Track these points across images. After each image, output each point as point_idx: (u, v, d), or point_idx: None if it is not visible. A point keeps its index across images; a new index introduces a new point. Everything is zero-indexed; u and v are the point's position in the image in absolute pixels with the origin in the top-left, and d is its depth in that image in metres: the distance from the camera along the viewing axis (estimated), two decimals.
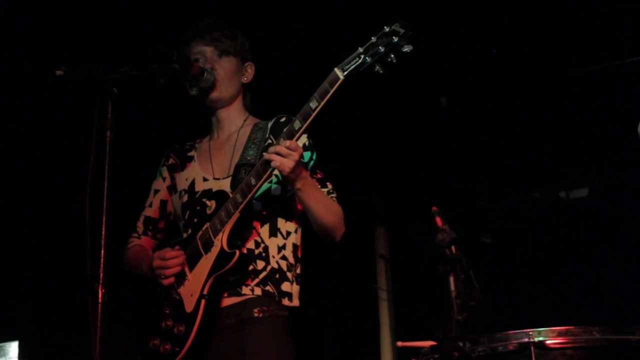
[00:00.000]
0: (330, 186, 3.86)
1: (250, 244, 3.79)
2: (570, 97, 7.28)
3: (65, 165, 6.25)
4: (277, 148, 3.45)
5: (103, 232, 3.28)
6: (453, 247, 3.64)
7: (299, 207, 3.88)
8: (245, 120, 4.09)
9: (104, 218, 3.30)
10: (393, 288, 8.90)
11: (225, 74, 4.00)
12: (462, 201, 8.60)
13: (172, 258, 3.79)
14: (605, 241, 7.89)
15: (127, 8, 5.73)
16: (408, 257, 8.72)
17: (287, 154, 3.44)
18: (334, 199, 3.84)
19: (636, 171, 8.11)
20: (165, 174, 4.19)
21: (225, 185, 3.84)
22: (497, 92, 7.32)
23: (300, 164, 3.51)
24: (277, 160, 3.44)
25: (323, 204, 3.73)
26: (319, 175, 3.84)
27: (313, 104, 3.42)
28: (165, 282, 3.79)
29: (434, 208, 3.78)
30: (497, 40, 6.61)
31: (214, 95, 3.99)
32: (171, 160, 4.20)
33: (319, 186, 3.79)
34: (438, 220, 3.73)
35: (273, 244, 3.82)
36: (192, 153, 4.16)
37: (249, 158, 3.86)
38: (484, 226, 8.59)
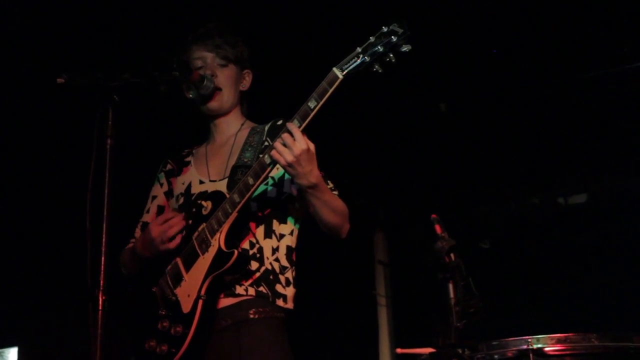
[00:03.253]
0: (331, 184, 3.84)
1: (245, 244, 3.78)
2: (569, 103, 7.29)
3: (66, 172, 6.26)
4: (279, 142, 3.43)
5: (104, 239, 3.27)
6: (452, 255, 3.66)
7: (295, 208, 3.89)
8: (242, 125, 4.10)
9: (104, 225, 3.29)
10: (392, 294, 8.92)
11: (226, 81, 4.00)
12: (461, 207, 8.62)
13: (172, 218, 3.79)
14: (604, 247, 7.91)
15: (127, 15, 5.74)
16: (407, 262, 8.74)
17: (290, 145, 3.40)
18: (337, 196, 3.83)
19: (635, 177, 8.13)
20: (163, 180, 4.19)
21: (222, 186, 3.84)
22: (496, 98, 7.33)
23: (307, 162, 3.45)
24: (276, 151, 3.43)
25: (331, 206, 3.71)
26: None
27: (312, 104, 3.40)
28: (172, 244, 3.77)
29: (434, 216, 3.80)
30: (496, 46, 6.62)
31: (213, 104, 3.99)
32: (168, 166, 4.20)
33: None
34: (437, 228, 3.75)
35: (267, 245, 3.82)
36: (189, 158, 4.17)
37: (245, 160, 3.85)
38: (483, 232, 8.61)
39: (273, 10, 6.02)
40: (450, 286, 3.61)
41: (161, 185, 4.19)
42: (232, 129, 4.09)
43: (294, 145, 3.40)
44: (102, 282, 3.21)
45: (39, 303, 6.95)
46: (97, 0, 5.60)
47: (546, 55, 6.70)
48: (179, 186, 4.07)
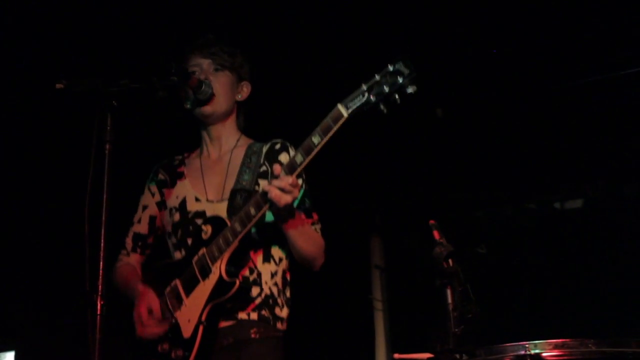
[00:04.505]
0: (315, 217, 3.87)
1: (245, 271, 3.80)
2: (565, 109, 7.31)
3: (64, 177, 6.24)
4: (282, 184, 3.42)
5: (102, 244, 3.25)
6: (450, 261, 3.66)
7: None
8: (238, 140, 4.09)
9: (103, 230, 3.28)
10: (388, 298, 8.91)
11: (221, 87, 3.98)
12: (457, 212, 8.62)
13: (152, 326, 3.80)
14: (600, 252, 7.91)
15: (126, 21, 5.74)
16: (403, 267, 8.74)
17: (289, 190, 3.44)
18: (318, 230, 3.86)
19: (630, 182, 8.14)
20: (154, 189, 4.17)
21: (221, 210, 3.85)
22: (492, 104, 7.33)
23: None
24: (276, 194, 3.43)
25: (305, 235, 3.74)
26: (306, 205, 3.86)
27: (316, 139, 3.38)
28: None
29: (432, 222, 3.80)
30: (492, 52, 6.62)
31: (208, 109, 3.97)
32: (160, 176, 4.18)
33: (304, 216, 3.81)
34: (435, 234, 3.74)
35: (266, 270, 3.84)
36: (181, 169, 4.15)
37: (244, 183, 3.86)
38: (480, 237, 8.61)
39: (275, 25, 6.03)
40: (448, 292, 3.61)
41: (153, 194, 4.17)
42: (228, 144, 4.08)
43: (292, 193, 3.45)
44: (100, 287, 3.20)
45: (37, 307, 6.95)
46: (96, 6, 5.60)
47: (542, 61, 6.72)
48: (173, 199, 4.06)
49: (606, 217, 8.18)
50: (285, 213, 3.57)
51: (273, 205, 3.49)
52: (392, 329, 8.80)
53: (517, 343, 3.97)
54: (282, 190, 3.43)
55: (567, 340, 3.94)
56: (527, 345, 3.92)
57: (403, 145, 7.88)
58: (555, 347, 3.91)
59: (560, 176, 8.30)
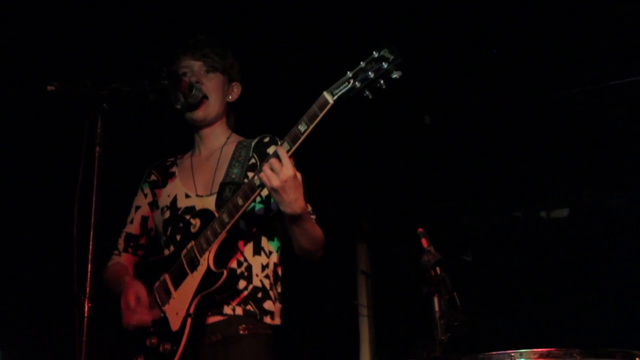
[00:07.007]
0: (309, 208, 3.84)
1: (233, 264, 3.80)
2: (552, 119, 7.34)
3: (54, 179, 6.23)
4: (272, 160, 3.41)
5: (90, 246, 3.25)
6: (438, 269, 3.67)
7: (282, 226, 3.88)
8: (228, 138, 4.10)
9: (91, 232, 3.27)
10: (374, 304, 8.93)
11: (212, 89, 4.00)
12: (444, 219, 8.65)
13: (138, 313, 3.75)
14: (586, 261, 7.96)
15: (117, 24, 5.74)
16: (389, 273, 8.76)
17: (277, 170, 3.41)
18: (314, 220, 3.84)
19: (615, 192, 8.19)
20: (147, 190, 4.18)
21: (209, 203, 3.86)
22: (481, 113, 7.37)
23: (292, 190, 3.45)
24: (267, 174, 3.41)
25: (310, 234, 3.72)
26: None
27: (302, 127, 3.40)
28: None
29: (420, 230, 3.80)
30: (481, 60, 6.65)
31: (199, 113, 3.98)
32: (152, 177, 4.19)
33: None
34: (424, 242, 3.75)
35: (257, 262, 3.84)
36: (173, 169, 4.16)
37: (233, 176, 3.87)
38: (466, 244, 8.64)
39: (264, 22, 6.03)
40: (435, 300, 3.62)
41: (145, 195, 4.18)
42: (218, 142, 4.09)
43: (281, 171, 3.40)
44: (88, 289, 3.20)
45: (24, 308, 6.92)
46: (88, 9, 5.60)
47: (531, 72, 6.75)
48: (164, 198, 4.07)
49: (592, 226, 8.24)
50: (285, 198, 3.47)
51: (269, 190, 3.46)
52: (376, 335, 8.81)
53: (502, 351, 3.98)
54: (272, 169, 3.41)
55: (553, 349, 3.94)
56: (512, 354, 3.92)
57: (391, 152, 7.90)
58: (541, 356, 3.92)
59: (546, 185, 8.34)
